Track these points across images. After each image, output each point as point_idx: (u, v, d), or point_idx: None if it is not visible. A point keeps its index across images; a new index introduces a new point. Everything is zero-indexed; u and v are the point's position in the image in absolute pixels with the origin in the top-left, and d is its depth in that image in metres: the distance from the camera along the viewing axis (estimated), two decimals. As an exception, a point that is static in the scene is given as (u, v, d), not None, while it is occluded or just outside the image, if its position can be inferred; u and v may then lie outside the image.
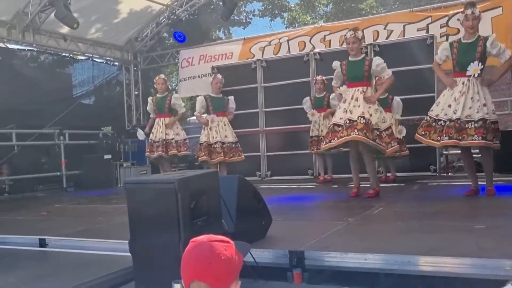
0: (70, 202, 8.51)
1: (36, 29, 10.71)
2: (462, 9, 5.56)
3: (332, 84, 6.49)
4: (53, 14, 9.77)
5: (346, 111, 5.91)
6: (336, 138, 5.89)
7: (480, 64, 5.36)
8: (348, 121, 5.82)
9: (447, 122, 5.35)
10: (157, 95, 8.48)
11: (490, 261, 2.85)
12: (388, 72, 6.06)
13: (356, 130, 5.72)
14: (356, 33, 6.03)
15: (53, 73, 12.19)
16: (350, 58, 6.14)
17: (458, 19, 5.71)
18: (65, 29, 10.80)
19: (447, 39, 8.99)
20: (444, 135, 5.35)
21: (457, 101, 5.35)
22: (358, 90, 5.99)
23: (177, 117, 8.43)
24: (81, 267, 3.64)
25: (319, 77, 8.34)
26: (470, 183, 5.76)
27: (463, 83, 5.40)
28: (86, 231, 4.98)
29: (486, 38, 5.40)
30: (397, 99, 7.69)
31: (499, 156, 8.01)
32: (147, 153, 8.52)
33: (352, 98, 5.97)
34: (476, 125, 5.22)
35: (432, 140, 5.51)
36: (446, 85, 5.59)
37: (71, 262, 3.91)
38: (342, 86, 6.30)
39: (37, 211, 7.02)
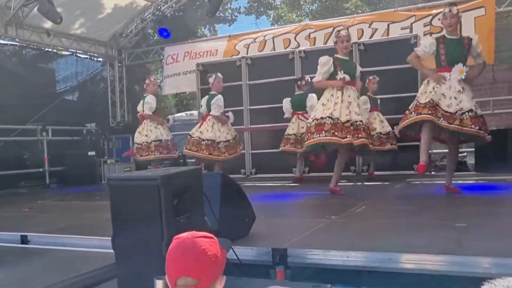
0: (53, 199, 8.44)
1: (18, 24, 10.57)
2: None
3: (315, 80, 6.31)
4: (36, 8, 9.66)
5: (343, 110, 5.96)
6: (323, 133, 5.91)
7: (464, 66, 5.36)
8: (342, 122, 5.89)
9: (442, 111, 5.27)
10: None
11: (470, 258, 2.90)
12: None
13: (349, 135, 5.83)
14: (349, 32, 6.14)
15: (36, 68, 12.03)
16: (342, 56, 6.14)
17: (439, 19, 5.74)
18: (48, 24, 10.67)
19: (431, 37, 9.09)
20: (442, 118, 5.24)
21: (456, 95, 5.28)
22: (353, 89, 6.07)
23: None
24: (63, 264, 3.62)
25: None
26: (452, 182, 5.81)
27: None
28: (69, 228, 4.95)
29: (470, 38, 5.45)
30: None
31: (482, 156, 8.16)
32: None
33: (349, 96, 6.01)
34: (470, 114, 5.21)
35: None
36: (434, 80, 5.44)
37: (53, 259, 3.88)
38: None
39: (19, 207, 6.95)
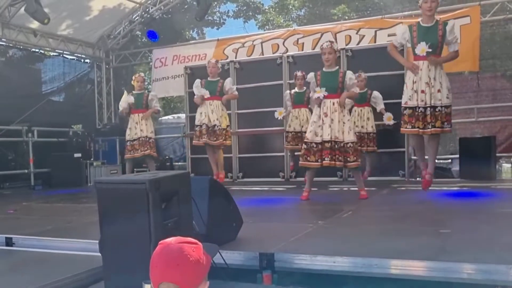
0: (38, 201, 8.37)
1: (5, 23, 10.50)
2: None
3: (310, 95, 6.45)
4: (23, 8, 9.59)
5: (320, 127, 5.99)
6: (312, 157, 6.01)
7: (429, 45, 5.43)
8: (320, 144, 5.95)
9: (427, 110, 5.42)
10: (133, 91, 8.62)
11: (454, 264, 2.93)
12: (356, 89, 6.28)
13: (327, 157, 5.90)
14: (332, 44, 6.06)
15: (22, 69, 11.94)
16: (324, 69, 6.12)
17: (417, 2, 5.79)
18: (35, 24, 10.61)
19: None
20: (427, 123, 5.44)
21: (429, 85, 5.42)
22: (332, 103, 5.98)
23: (151, 110, 8.69)
24: (49, 267, 3.60)
25: (299, 73, 8.35)
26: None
27: (428, 68, 5.45)
28: (54, 230, 4.91)
29: (445, 23, 5.49)
30: (375, 92, 8.11)
31: (464, 163, 8.25)
32: (128, 155, 8.59)
33: (327, 109, 5.99)
34: (430, 111, 5.39)
35: (418, 128, 5.51)
36: (408, 69, 5.62)
37: (38, 262, 3.86)
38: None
39: (4, 209, 6.88)
